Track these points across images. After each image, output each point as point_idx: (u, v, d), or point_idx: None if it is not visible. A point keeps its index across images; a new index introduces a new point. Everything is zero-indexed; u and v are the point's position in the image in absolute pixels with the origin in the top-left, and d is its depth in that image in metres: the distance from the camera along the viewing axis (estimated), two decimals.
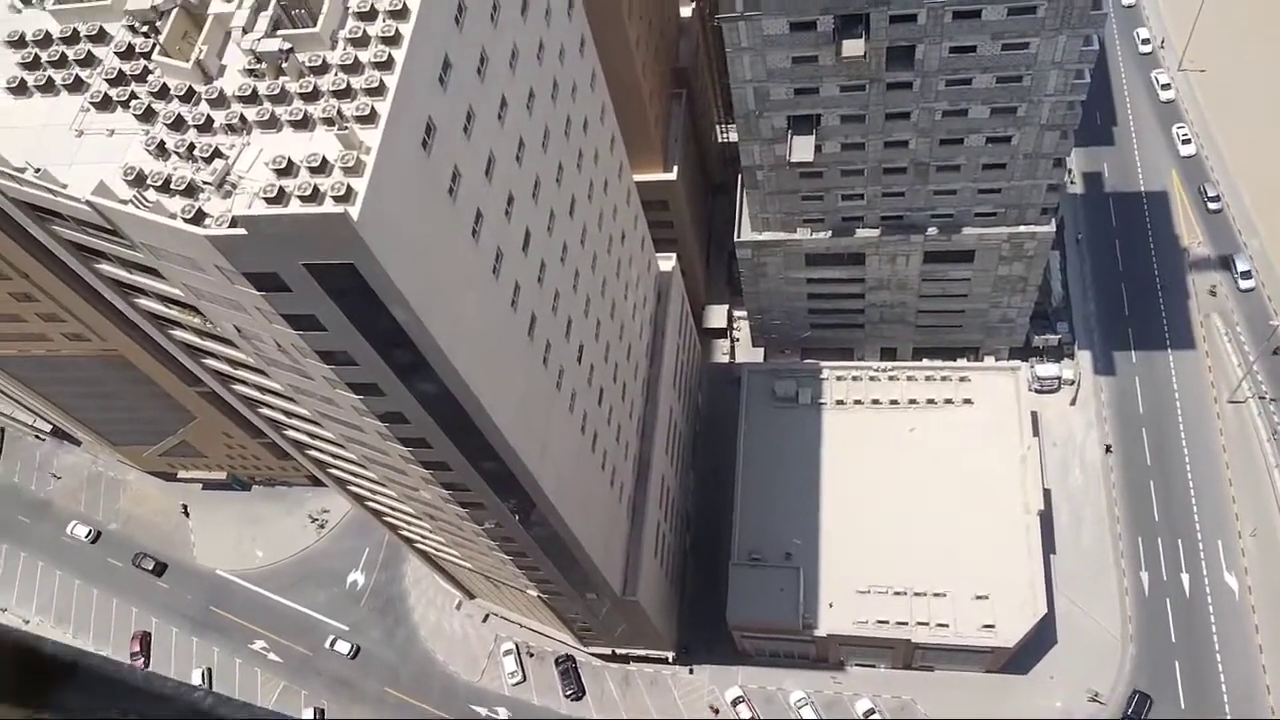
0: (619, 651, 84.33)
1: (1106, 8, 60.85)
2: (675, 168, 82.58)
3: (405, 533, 72.51)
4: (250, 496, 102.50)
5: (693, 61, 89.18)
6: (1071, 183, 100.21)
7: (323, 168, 31.85)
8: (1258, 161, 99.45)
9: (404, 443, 45.23)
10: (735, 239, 79.47)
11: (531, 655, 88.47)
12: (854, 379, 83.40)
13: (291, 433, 53.88)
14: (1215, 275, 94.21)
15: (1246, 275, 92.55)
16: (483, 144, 40.83)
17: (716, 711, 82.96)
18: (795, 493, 79.35)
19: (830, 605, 75.10)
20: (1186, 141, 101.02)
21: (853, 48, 60.08)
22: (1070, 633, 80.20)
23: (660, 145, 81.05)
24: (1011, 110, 65.15)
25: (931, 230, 75.84)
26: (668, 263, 78.76)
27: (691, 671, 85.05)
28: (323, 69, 34.34)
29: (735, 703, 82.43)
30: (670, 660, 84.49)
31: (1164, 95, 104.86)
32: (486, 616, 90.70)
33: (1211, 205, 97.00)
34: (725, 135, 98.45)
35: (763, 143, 69.23)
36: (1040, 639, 77.79)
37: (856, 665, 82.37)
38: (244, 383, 47.85)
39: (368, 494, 63.35)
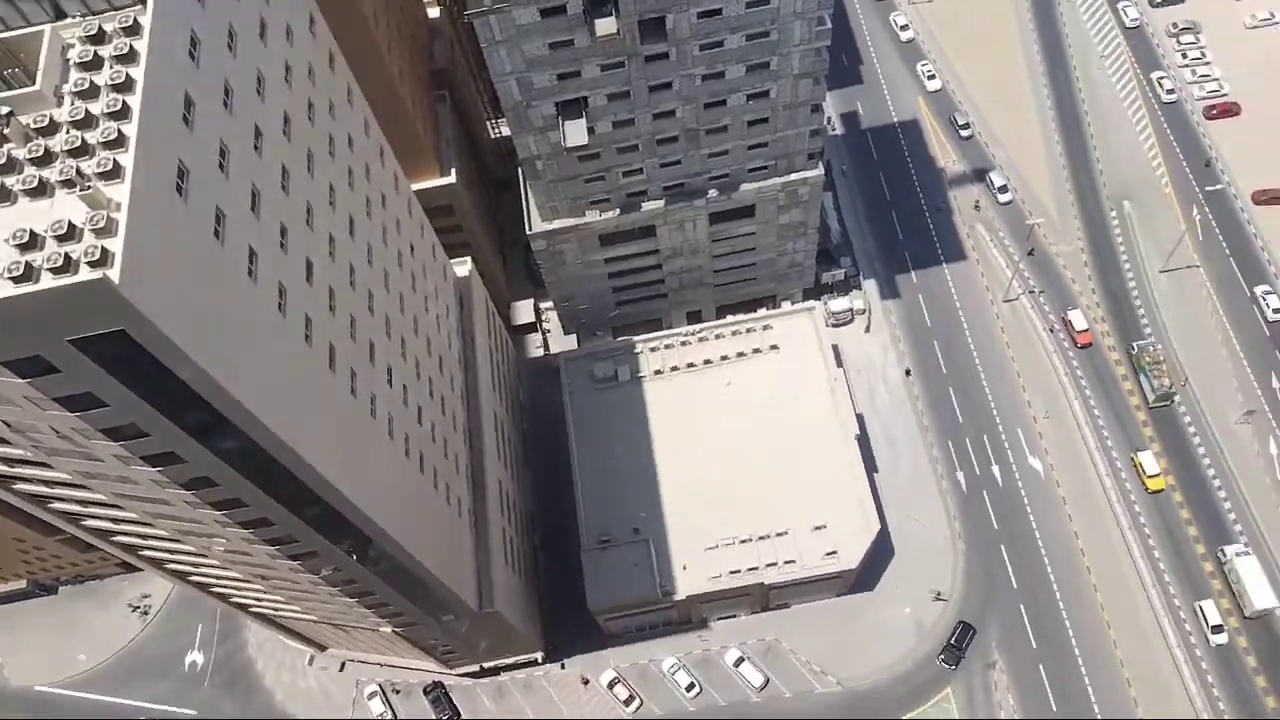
0: (487, 666, 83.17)
1: None
2: (453, 170, 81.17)
3: (238, 599, 68.57)
4: (59, 599, 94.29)
5: (449, 61, 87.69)
6: (831, 126, 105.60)
7: (71, 234, 29.33)
8: (993, 85, 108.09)
9: (217, 507, 42.61)
10: (527, 232, 79.05)
11: (398, 692, 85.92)
12: (667, 347, 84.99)
13: (91, 522, 49.73)
14: (975, 191, 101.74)
15: (1003, 189, 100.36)
16: (243, 179, 38.68)
17: (587, 682, 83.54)
18: (632, 468, 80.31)
19: (684, 568, 76.67)
20: (932, 77, 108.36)
21: (605, 26, 60.65)
22: (905, 542, 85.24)
23: (432, 150, 79.41)
24: (765, 65, 67.58)
25: (712, 192, 77.95)
26: (464, 267, 77.50)
27: (563, 666, 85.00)
28: (51, 129, 31.60)
29: (611, 685, 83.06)
30: (540, 660, 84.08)
31: (904, 36, 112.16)
32: (343, 665, 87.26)
33: (963, 133, 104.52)
34: (498, 130, 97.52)
35: (536, 132, 68.97)
36: (880, 554, 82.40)
37: (719, 619, 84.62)
38: (26, 479, 43.69)
39: (189, 568, 59.42)
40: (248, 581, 59.39)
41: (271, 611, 71.40)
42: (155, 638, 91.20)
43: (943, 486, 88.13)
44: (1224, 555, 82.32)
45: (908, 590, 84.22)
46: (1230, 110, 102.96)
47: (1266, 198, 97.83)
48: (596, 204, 77.28)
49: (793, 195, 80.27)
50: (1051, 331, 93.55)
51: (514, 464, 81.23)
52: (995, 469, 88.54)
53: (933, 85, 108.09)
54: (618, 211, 77.95)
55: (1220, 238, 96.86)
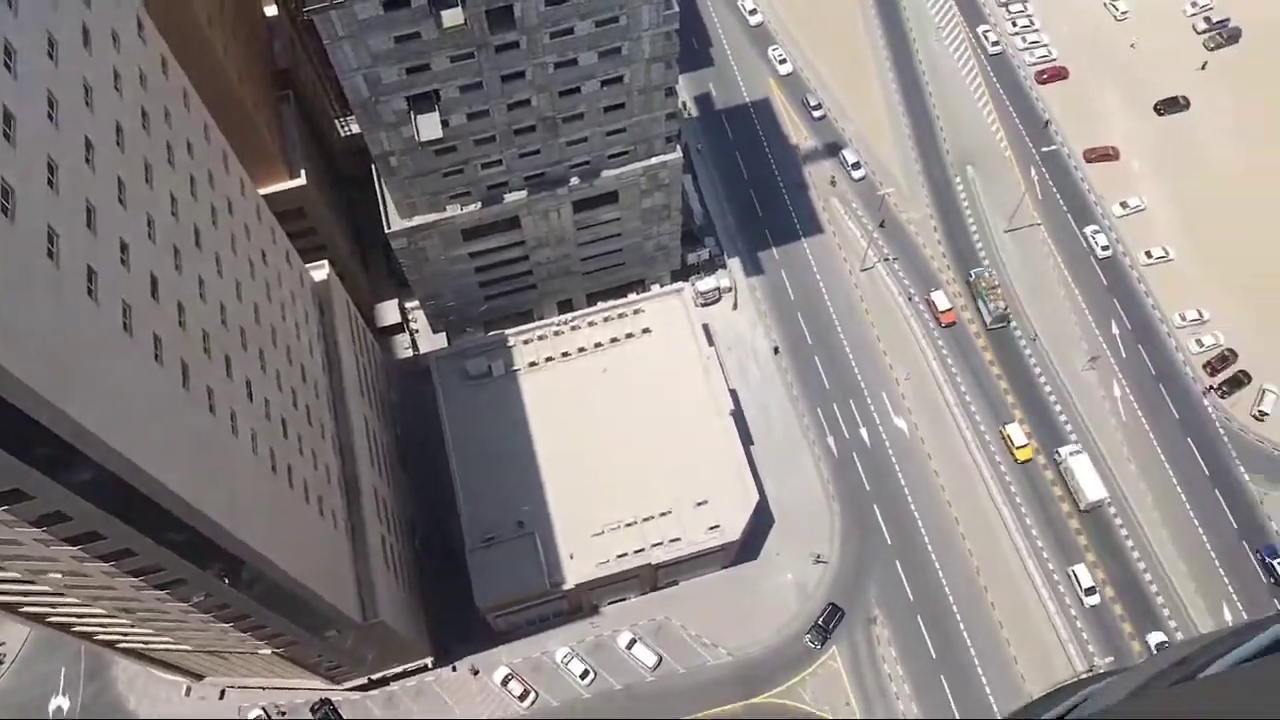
0: (376, 677, 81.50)
1: None
2: (302, 172, 78.48)
3: (104, 637, 65.09)
4: None
5: (292, 60, 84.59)
6: (686, 109, 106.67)
7: None
8: (839, 62, 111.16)
9: (72, 542, 40.27)
10: (386, 230, 77.20)
11: (283, 714, 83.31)
12: (539, 339, 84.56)
13: None
14: (829, 167, 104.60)
15: (856, 166, 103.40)
16: (75, 194, 36.50)
17: (476, 673, 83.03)
18: (512, 463, 79.77)
19: (571, 557, 76.78)
20: (783, 61, 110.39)
21: (452, 17, 59.53)
22: (783, 510, 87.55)
23: (279, 153, 76.58)
24: (616, 51, 67.68)
25: (574, 180, 77.78)
26: (321, 271, 75.11)
27: (454, 669, 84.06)
28: None
29: (505, 682, 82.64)
30: (430, 665, 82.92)
31: (753, 20, 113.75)
32: (223, 692, 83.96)
33: (815, 113, 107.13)
34: (347, 128, 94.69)
35: (387, 128, 67.32)
36: (760, 524, 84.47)
37: (610, 604, 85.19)
38: None
39: (47, 610, 56.05)
40: (112, 617, 56.44)
41: (142, 645, 68.09)
42: (15, 688, 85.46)
43: (815, 453, 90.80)
44: (1059, 456, 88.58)
45: (789, 556, 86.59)
46: (1059, 74, 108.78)
47: (1096, 155, 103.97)
48: (456, 198, 76.08)
49: (654, 179, 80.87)
50: (910, 300, 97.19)
51: (389, 469, 79.55)
52: (863, 431, 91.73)
53: (784, 69, 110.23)
54: (479, 204, 76.95)
55: (1057, 195, 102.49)
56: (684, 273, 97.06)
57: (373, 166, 73.33)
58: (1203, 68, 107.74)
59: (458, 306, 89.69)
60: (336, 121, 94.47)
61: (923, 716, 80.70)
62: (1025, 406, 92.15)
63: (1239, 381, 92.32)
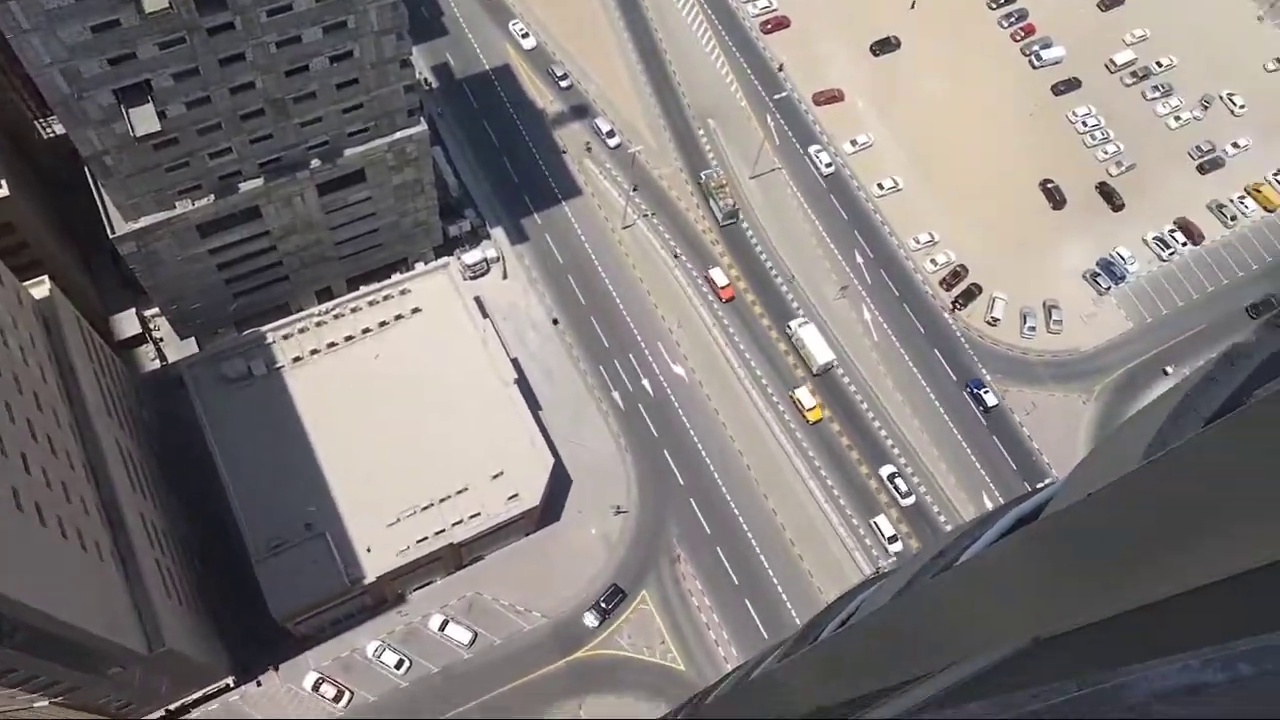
0: (175, 707, 76.40)
1: None
2: (2, 183, 70.87)
3: None
4: None
5: None
6: (426, 81, 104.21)
7: None
8: (573, 22, 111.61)
9: None
10: (110, 236, 71.16)
11: None
12: (301, 331, 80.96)
13: None
14: (578, 129, 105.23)
15: (611, 134, 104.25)
16: None
17: (277, 668, 79.90)
18: (290, 463, 76.26)
19: (369, 550, 74.67)
20: (525, 35, 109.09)
21: (154, 1, 55.28)
22: (579, 469, 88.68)
23: None
24: (342, 25, 65.05)
25: (314, 163, 74.50)
26: (41, 288, 68.30)
27: (259, 684, 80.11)
28: None
29: (316, 686, 79.65)
30: (233, 685, 78.62)
31: None
32: None
33: (563, 84, 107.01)
34: (50, 129, 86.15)
35: (96, 126, 61.81)
36: (559, 485, 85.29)
37: (416, 590, 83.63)
38: None
39: None
40: None
41: None
42: None
43: (603, 409, 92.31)
44: (790, 329, 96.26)
45: (591, 512, 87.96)
46: (782, 23, 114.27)
47: (824, 98, 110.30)
48: (187, 193, 71.11)
49: (401, 154, 78.74)
50: (677, 257, 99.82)
51: (154, 490, 74.12)
52: (645, 382, 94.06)
53: (528, 44, 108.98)
54: (212, 197, 72.30)
55: (793, 139, 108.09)
56: (447, 247, 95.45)
57: (86, 168, 67.25)
58: (912, 7, 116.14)
59: (204, 308, 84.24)
60: (36, 123, 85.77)
61: (731, 640, 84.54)
62: (788, 340, 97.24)
63: (971, 293, 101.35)
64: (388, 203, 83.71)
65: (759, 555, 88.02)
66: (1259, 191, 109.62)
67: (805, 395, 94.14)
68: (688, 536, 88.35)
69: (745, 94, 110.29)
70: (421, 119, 78.04)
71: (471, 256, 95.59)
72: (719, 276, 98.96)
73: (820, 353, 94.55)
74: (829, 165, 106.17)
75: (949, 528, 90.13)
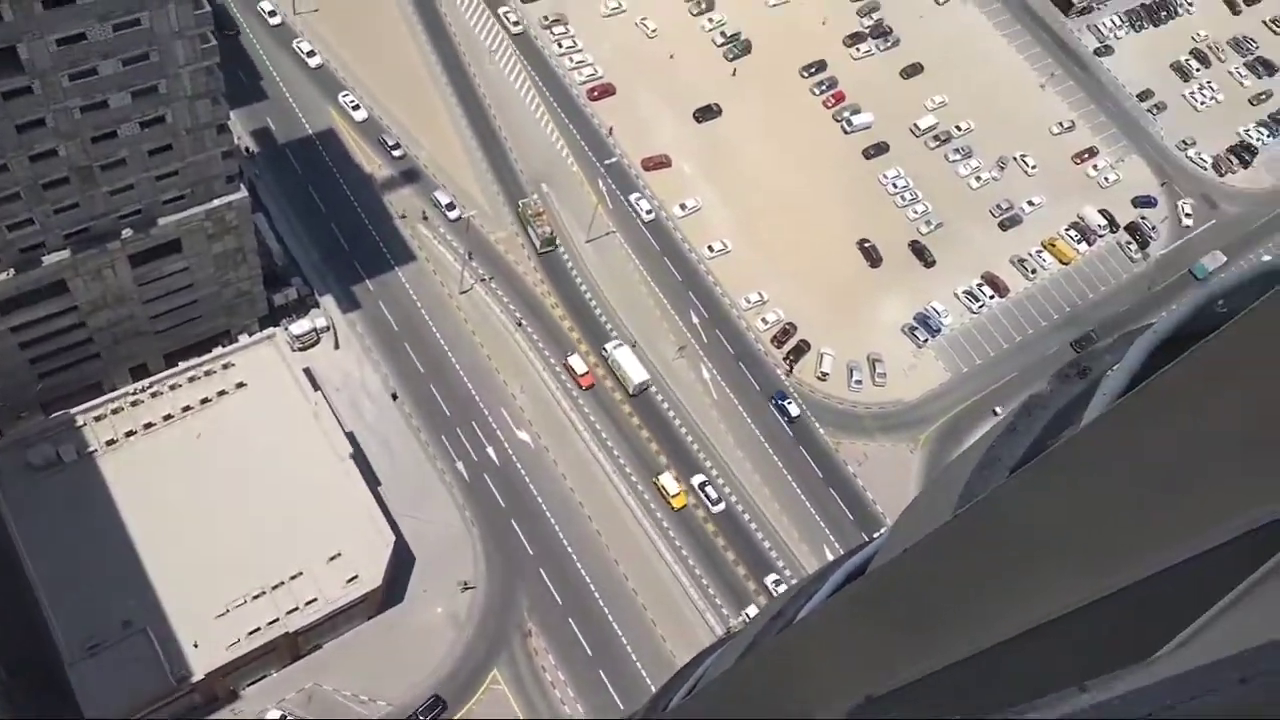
0: None
1: None
2: None
3: None
4: None
5: None
6: (245, 146, 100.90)
7: None
8: (399, 87, 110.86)
9: None
10: None
11: None
12: (114, 412, 75.86)
13: None
14: (409, 193, 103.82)
15: (451, 207, 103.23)
16: None
17: None
18: (107, 555, 70.73)
19: (196, 645, 69.78)
20: (356, 108, 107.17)
21: None
22: (423, 545, 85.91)
23: None
24: (153, 90, 62.50)
25: (126, 232, 70.59)
26: None
27: None
28: None
29: None
30: None
31: (312, 63, 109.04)
32: None
33: (395, 154, 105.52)
34: None
35: None
36: (401, 564, 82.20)
37: (250, 685, 78.49)
38: None
39: None
40: None
41: None
42: None
43: (447, 480, 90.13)
44: (605, 351, 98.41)
45: (435, 590, 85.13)
46: (608, 90, 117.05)
47: (653, 163, 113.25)
48: None
49: (220, 222, 75.62)
50: (520, 326, 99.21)
51: None
52: (490, 450, 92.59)
53: (359, 115, 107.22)
54: (12, 272, 67.21)
55: (625, 203, 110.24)
56: (272, 317, 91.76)
57: None
58: (734, 74, 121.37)
59: (4, 391, 77.72)
60: None
61: (587, 716, 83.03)
62: (632, 405, 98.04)
63: (801, 350, 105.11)
64: (207, 272, 79.99)
65: (612, 623, 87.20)
66: (1054, 246, 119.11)
67: (669, 481, 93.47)
68: (539, 608, 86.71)
69: (576, 159, 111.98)
70: (242, 185, 75.42)
71: (300, 326, 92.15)
72: (578, 364, 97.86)
73: (635, 374, 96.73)
74: (649, 212, 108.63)
75: (788, 583, 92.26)
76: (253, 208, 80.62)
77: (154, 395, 77.07)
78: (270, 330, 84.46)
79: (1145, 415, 3.21)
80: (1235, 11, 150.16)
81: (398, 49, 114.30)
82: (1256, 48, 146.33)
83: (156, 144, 65.82)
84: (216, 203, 73.61)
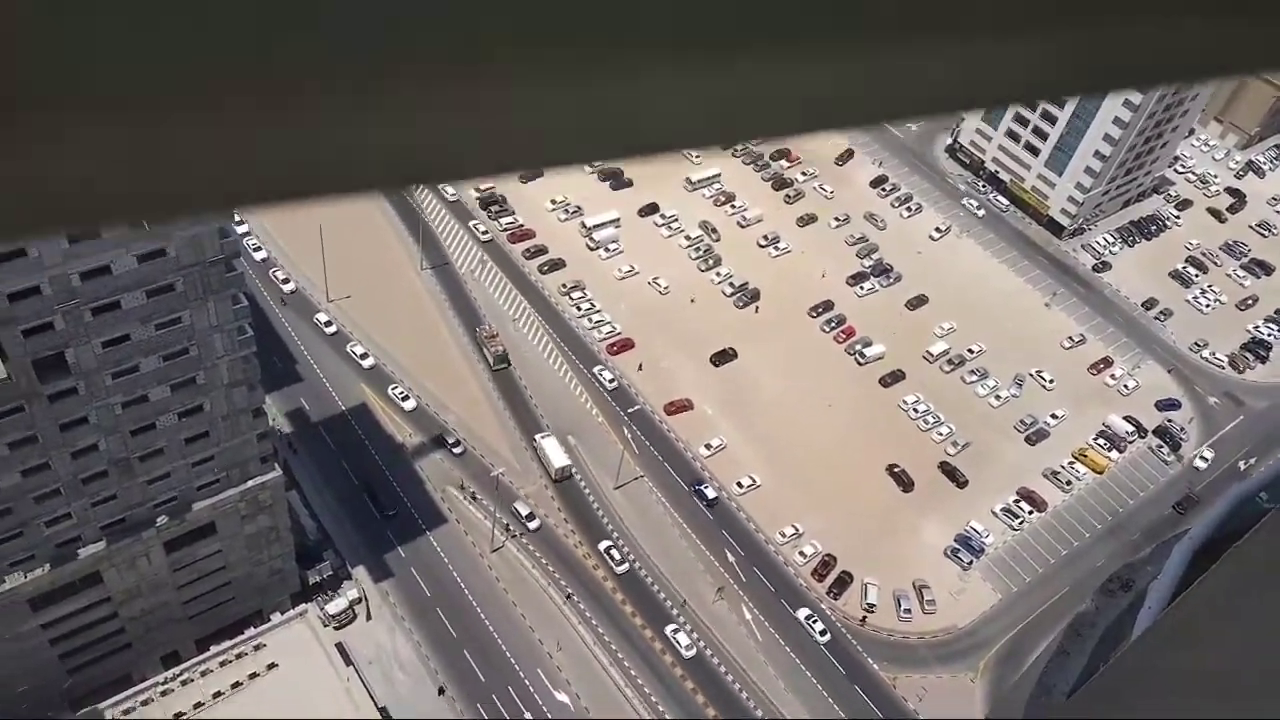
0: None
1: (240, 267, 64.90)
2: None
3: None
4: None
5: None
6: (278, 427, 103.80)
7: None
8: (429, 360, 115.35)
9: None
10: None
11: None
12: (144, 704, 73.86)
13: None
14: (438, 458, 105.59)
15: (457, 444, 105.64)
16: None
17: None
18: None
19: None
20: (364, 357, 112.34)
21: None
22: None
23: None
24: (191, 381, 65.24)
25: (161, 520, 71.46)
26: None
27: None
28: None
29: None
30: None
31: (329, 330, 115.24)
32: None
33: (406, 405, 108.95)
34: None
35: None
36: None
37: None
38: None
39: None
40: None
41: None
42: None
43: None
44: (536, 441, 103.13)
45: None
46: (627, 345, 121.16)
47: (675, 408, 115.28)
48: (17, 565, 66.36)
49: (254, 503, 76.62)
50: (555, 580, 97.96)
51: None
52: (527, 715, 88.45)
53: (367, 364, 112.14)
54: (48, 566, 67.64)
55: (650, 447, 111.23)
56: (305, 594, 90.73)
57: None
58: (756, 311, 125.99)
59: (33, 690, 75.97)
60: None
61: None
62: (677, 657, 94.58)
63: (844, 582, 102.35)
64: (240, 554, 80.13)
65: None
66: (1085, 456, 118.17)
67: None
68: None
69: (600, 408, 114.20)
70: (275, 465, 76.92)
71: (336, 605, 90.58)
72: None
73: (557, 459, 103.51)
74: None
75: None
76: (286, 485, 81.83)
77: (184, 683, 75.11)
78: (302, 607, 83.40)
79: (1190, 626, 3.23)
80: (1221, 220, 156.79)
81: (419, 314, 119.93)
82: (1249, 250, 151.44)
83: (193, 432, 67.97)
84: (251, 484, 74.92)
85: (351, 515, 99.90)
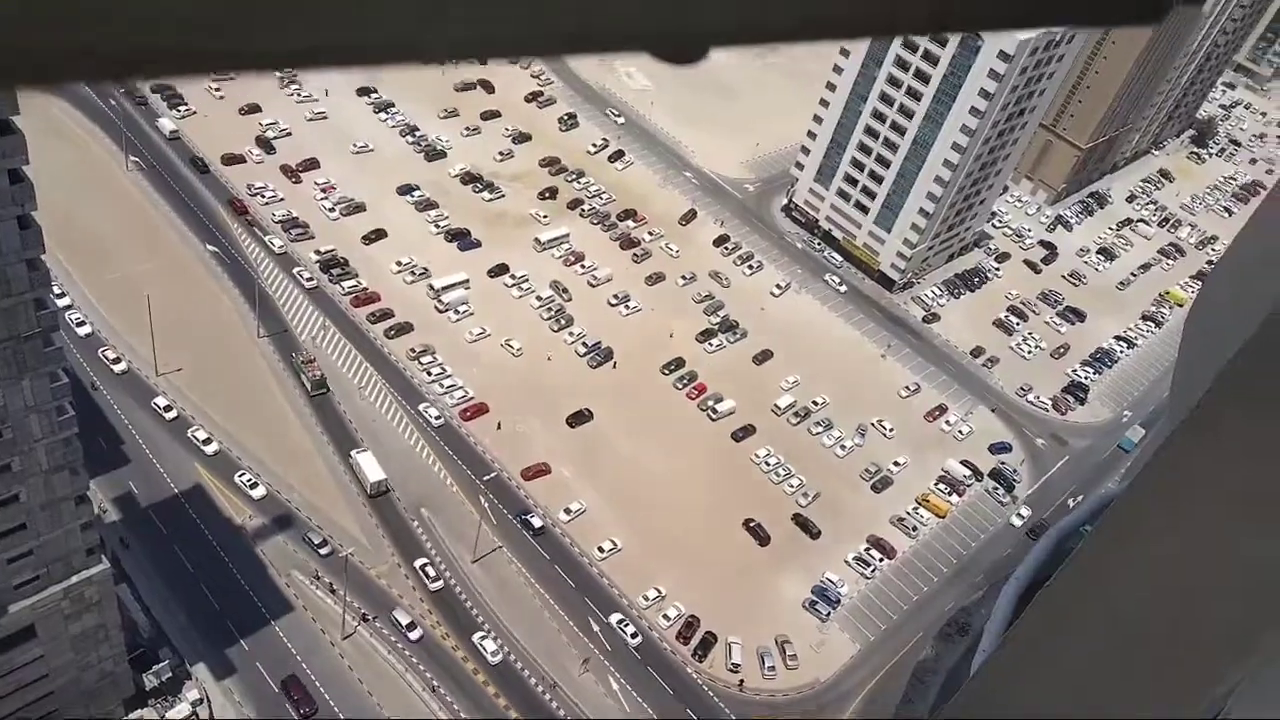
0: None
1: (60, 341, 60.66)
2: None
3: None
4: None
5: None
6: (104, 512, 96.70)
7: None
8: (265, 436, 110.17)
9: None
10: None
11: None
12: None
13: None
14: (282, 540, 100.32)
15: (323, 544, 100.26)
16: None
17: None
18: None
19: None
20: (208, 442, 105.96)
21: None
22: None
23: None
24: (5, 469, 60.10)
25: None
26: None
27: None
28: None
29: None
30: None
31: (168, 416, 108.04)
32: None
33: (254, 493, 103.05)
34: None
35: None
36: None
37: None
38: None
39: None
40: None
41: None
42: None
43: None
44: (352, 457, 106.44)
45: None
46: (481, 409, 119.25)
47: (533, 472, 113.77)
48: None
49: (79, 600, 70.53)
50: (402, 653, 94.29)
51: None
52: None
53: (210, 449, 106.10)
54: None
55: (509, 517, 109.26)
56: (140, 698, 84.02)
57: None
58: (615, 368, 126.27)
59: None
60: None
61: None
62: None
63: (708, 643, 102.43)
64: (65, 658, 73.46)
65: None
66: (928, 501, 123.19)
67: None
68: None
69: (454, 478, 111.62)
70: (103, 556, 71.41)
71: (178, 712, 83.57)
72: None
73: (372, 473, 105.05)
74: (538, 523, 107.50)
75: None
76: (116, 579, 76.04)
77: None
78: (137, 714, 77.07)
79: (1016, 667, 3.19)
80: (1036, 271, 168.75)
81: (261, 394, 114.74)
82: (1063, 298, 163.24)
83: (9, 524, 62.27)
84: (75, 579, 68.95)
85: (187, 608, 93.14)
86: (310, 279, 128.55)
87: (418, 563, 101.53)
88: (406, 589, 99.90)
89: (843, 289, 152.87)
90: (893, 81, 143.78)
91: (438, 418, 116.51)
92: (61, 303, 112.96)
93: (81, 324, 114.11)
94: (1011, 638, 3.24)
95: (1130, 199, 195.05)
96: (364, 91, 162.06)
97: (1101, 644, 2.74)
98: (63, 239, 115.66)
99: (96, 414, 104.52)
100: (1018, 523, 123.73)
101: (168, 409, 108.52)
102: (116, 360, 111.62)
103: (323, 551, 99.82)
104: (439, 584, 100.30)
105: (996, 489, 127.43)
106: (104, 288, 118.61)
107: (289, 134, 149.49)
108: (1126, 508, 2.82)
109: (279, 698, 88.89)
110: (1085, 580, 2.89)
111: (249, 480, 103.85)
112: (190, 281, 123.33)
